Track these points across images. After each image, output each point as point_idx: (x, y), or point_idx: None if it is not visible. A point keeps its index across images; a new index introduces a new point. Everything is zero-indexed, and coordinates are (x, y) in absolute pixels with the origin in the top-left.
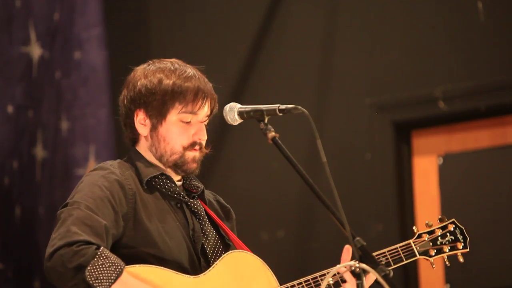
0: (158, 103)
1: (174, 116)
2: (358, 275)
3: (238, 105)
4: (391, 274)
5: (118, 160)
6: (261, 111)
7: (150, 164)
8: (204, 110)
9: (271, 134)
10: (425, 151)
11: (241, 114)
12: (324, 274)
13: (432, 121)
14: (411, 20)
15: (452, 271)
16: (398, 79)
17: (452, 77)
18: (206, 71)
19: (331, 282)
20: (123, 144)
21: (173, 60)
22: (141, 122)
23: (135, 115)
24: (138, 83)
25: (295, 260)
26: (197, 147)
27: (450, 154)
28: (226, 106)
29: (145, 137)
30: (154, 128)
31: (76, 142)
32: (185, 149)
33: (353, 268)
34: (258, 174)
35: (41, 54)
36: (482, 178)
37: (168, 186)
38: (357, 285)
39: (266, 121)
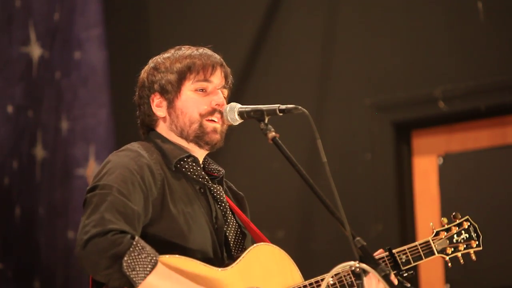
0: (171, 79)
1: (188, 87)
2: (358, 275)
3: (238, 105)
4: (391, 273)
5: (140, 142)
6: (261, 111)
7: (176, 146)
8: (217, 77)
9: (272, 134)
10: (425, 151)
11: (241, 114)
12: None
13: (432, 121)
14: (411, 20)
15: (452, 271)
16: (398, 79)
17: (452, 77)
18: None
19: (331, 283)
20: (123, 144)
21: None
22: (158, 105)
23: (151, 101)
24: (149, 73)
25: (295, 260)
26: (217, 115)
27: (450, 154)
28: (226, 106)
29: (163, 118)
30: (170, 105)
31: (76, 142)
32: (203, 116)
33: (353, 268)
34: (258, 174)
35: (41, 54)
36: (482, 178)
37: (193, 169)
38: (357, 285)
39: (266, 121)
